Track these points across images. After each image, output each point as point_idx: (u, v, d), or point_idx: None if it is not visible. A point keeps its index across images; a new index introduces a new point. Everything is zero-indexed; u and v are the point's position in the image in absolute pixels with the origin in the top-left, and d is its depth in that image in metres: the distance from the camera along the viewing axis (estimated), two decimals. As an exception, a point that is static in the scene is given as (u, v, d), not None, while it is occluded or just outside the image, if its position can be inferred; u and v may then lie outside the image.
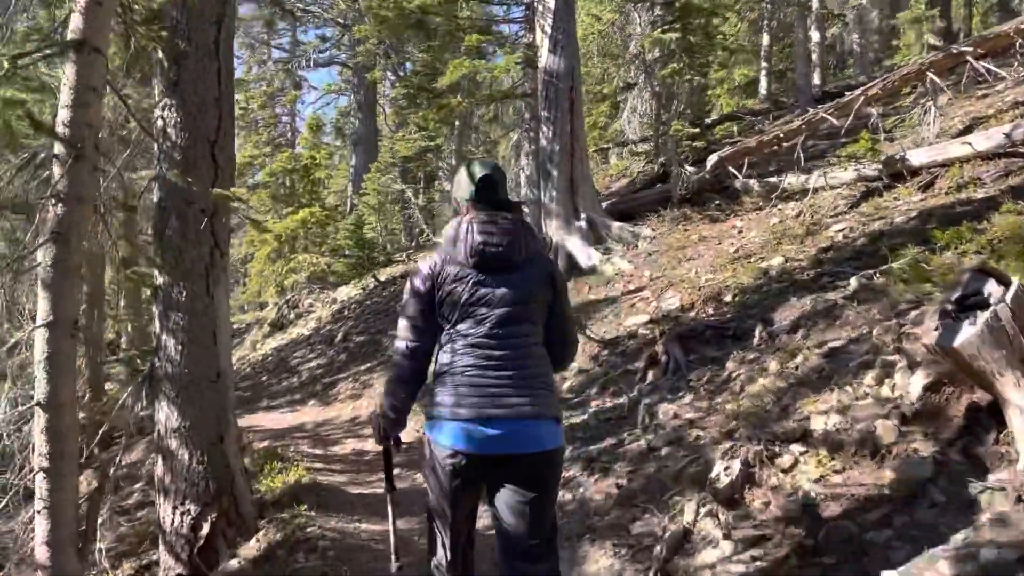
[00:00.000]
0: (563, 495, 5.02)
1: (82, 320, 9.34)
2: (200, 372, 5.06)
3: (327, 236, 15.89)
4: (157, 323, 5.12)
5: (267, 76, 27.47)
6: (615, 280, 9.18)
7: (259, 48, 25.37)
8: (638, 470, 4.88)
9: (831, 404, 4.36)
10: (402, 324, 2.64)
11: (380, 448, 2.95)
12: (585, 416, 6.17)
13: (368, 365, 10.32)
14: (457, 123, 12.01)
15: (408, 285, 2.66)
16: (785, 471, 4.04)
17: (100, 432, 5.27)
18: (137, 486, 7.30)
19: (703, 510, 4.07)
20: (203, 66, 5.18)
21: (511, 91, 11.47)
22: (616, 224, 10.23)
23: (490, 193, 2.66)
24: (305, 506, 5.08)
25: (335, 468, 6.30)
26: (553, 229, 10.26)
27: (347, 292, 15.16)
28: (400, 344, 2.63)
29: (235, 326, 20.37)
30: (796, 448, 4.13)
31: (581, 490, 4.99)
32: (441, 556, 2.72)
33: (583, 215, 10.26)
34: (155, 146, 5.29)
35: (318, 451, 7.17)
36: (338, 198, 25.56)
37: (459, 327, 2.55)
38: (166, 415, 5.03)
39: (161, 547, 4.98)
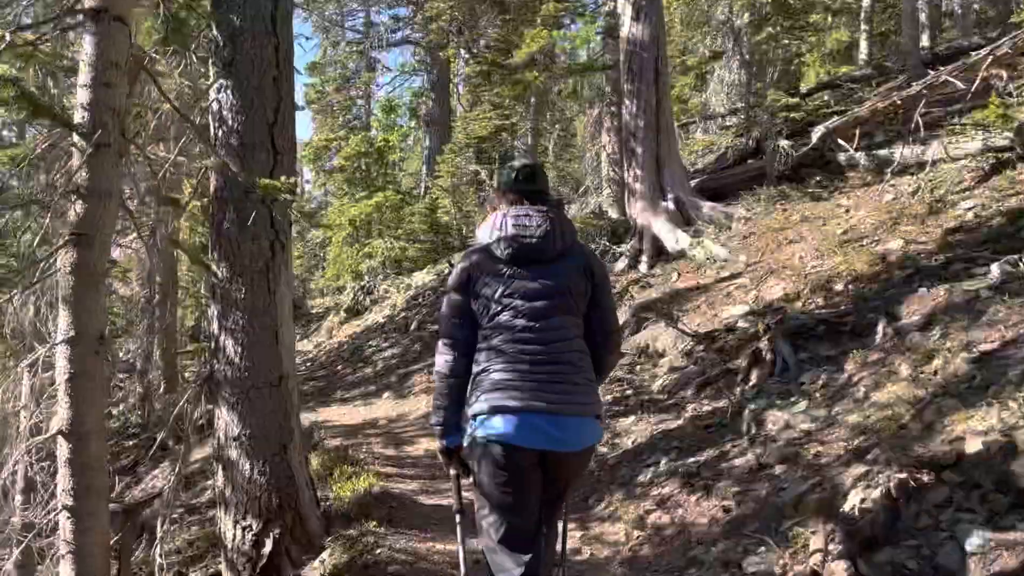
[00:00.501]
0: (660, 517, 4.45)
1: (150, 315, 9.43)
2: (261, 376, 4.67)
3: (402, 220, 15.57)
4: (215, 323, 4.76)
5: (341, 59, 27.48)
6: (706, 266, 8.44)
7: (333, 30, 25.23)
8: (748, 491, 4.25)
9: (991, 423, 3.61)
10: (442, 331, 2.65)
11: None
12: (681, 421, 5.54)
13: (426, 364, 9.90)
14: (533, 99, 11.41)
15: (449, 281, 2.67)
16: (938, 506, 3.35)
17: (158, 439, 4.96)
18: (210, 482, 7.09)
19: (834, 548, 3.42)
20: (260, 43, 4.75)
21: (591, 63, 10.77)
22: (706, 204, 9.46)
23: (528, 183, 2.66)
24: (375, 522, 4.65)
25: (408, 473, 5.89)
26: (637, 211, 9.57)
27: (421, 278, 14.81)
28: (440, 359, 2.64)
29: (313, 310, 20.44)
30: (951, 477, 3.42)
31: (681, 512, 4.39)
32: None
33: (670, 195, 9.52)
34: (210, 132, 4.90)
35: (390, 452, 6.78)
36: (413, 181, 25.35)
37: (496, 320, 2.52)
38: (226, 422, 4.67)
39: (222, 563, 4.66)
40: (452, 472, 2.80)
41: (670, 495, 4.59)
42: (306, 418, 8.53)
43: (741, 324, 6.53)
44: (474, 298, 2.55)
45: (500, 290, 2.52)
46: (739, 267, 7.98)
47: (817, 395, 4.95)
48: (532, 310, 2.51)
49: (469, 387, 2.59)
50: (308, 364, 12.99)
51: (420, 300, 13.41)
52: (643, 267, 9.23)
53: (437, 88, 20.51)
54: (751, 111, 12.03)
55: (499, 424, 2.45)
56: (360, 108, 29.24)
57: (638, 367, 6.89)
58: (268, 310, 4.72)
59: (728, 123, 13.29)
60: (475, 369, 2.57)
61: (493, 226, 2.58)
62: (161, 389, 9.73)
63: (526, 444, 2.45)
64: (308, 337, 16.61)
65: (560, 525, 2.82)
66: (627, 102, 9.76)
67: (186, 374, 10.24)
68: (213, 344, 4.82)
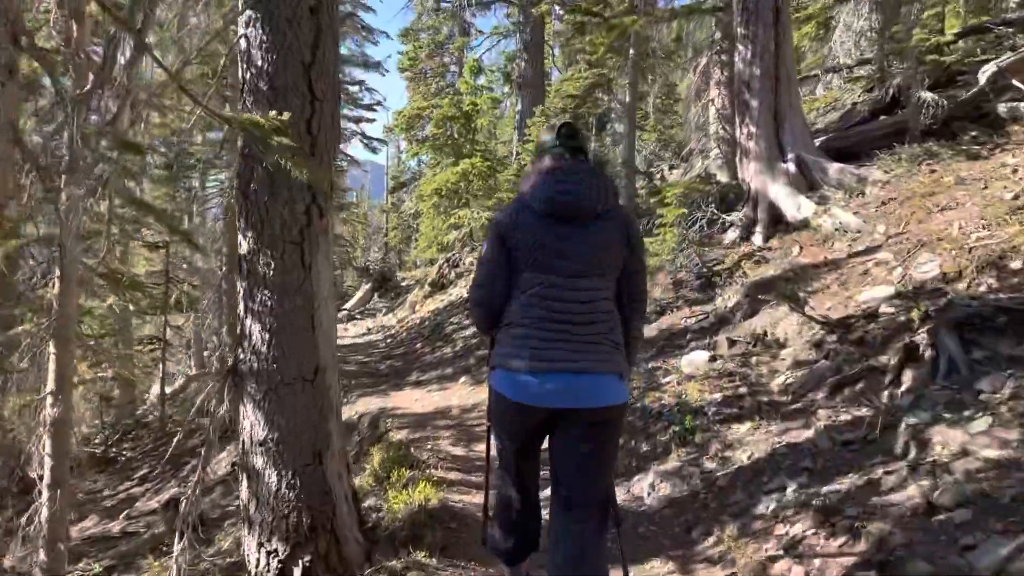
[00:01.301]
0: (788, 568, 3.38)
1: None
2: (292, 368, 3.86)
3: (490, 189, 14.67)
4: (241, 303, 3.98)
5: (435, 23, 26.78)
6: (835, 238, 7.13)
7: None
8: (916, 543, 3.12)
9: None
10: (478, 271, 2.71)
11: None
12: (811, 432, 4.40)
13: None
14: (632, 52, 10.21)
15: (488, 230, 2.67)
16: None
17: (175, 440, 4.25)
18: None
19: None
20: (293, -36, 3.90)
21: (698, 5, 9.46)
22: (834, 166, 8.07)
23: (571, 141, 2.64)
24: (425, 551, 3.79)
25: (474, 480, 5.01)
26: (751, 173, 8.29)
27: (510, 249, 13.94)
28: (473, 293, 2.71)
29: (403, 283, 19.95)
30: None
31: (817, 564, 3.31)
32: (497, 529, 2.84)
33: (790, 155, 8.19)
34: (239, 75, 4.09)
35: (459, 451, 5.92)
36: (507, 149, 24.45)
37: (527, 276, 2.55)
38: (251, 423, 3.90)
39: (246, 592, 3.93)
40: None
41: (801, 536, 3.51)
42: (376, 403, 7.83)
43: (885, 310, 5.28)
44: (511, 243, 2.55)
45: (535, 245, 2.51)
46: (877, 239, 6.65)
47: (1004, 410, 3.73)
48: (564, 269, 2.51)
49: (498, 333, 2.66)
50: (388, 341, 12.38)
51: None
52: (757, 239, 7.98)
53: (531, 48, 19.40)
54: (886, 59, 10.39)
55: (512, 381, 2.51)
56: (453, 74, 28.48)
57: (753, 359, 5.75)
58: (302, 289, 3.90)
59: (856, 75, 11.64)
60: (504, 318, 2.61)
61: (534, 182, 2.58)
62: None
63: (539, 403, 2.47)
64: (393, 311, 16.09)
65: (598, 515, 2.59)
66: (740, 48, 8.45)
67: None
68: (239, 329, 4.06)
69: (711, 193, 8.81)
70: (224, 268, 9.26)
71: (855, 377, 4.68)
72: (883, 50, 10.46)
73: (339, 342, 13.42)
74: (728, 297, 7.15)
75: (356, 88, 20.14)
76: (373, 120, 31.90)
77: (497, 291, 2.61)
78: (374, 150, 20.50)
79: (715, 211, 8.54)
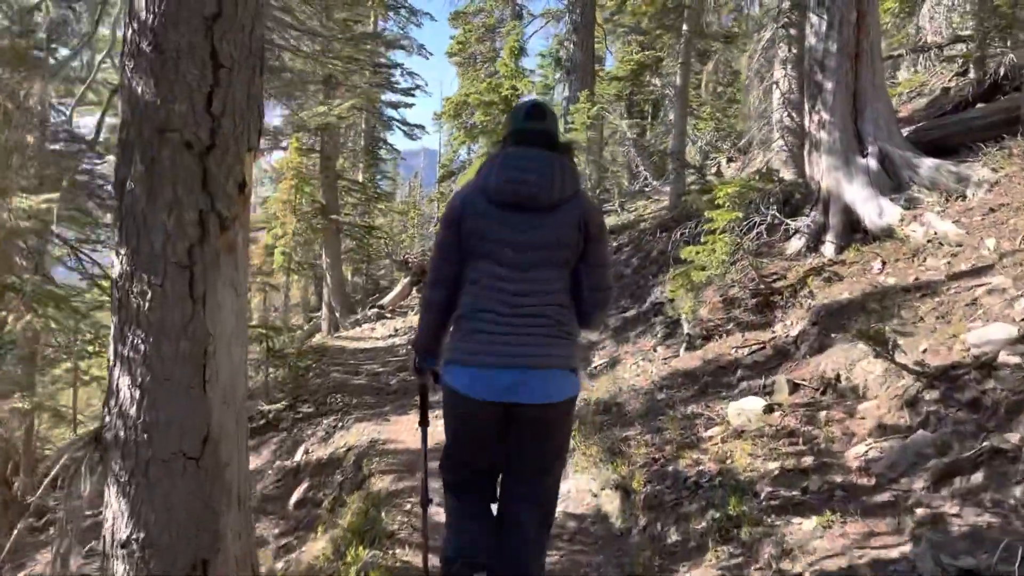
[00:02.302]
0: None
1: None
2: (171, 439, 2.75)
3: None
4: (111, 348, 2.90)
5: (487, 6, 25.69)
6: (929, 252, 5.73)
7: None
8: None
9: None
10: (432, 256, 2.64)
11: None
12: (907, 546, 3.09)
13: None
14: (684, 27, 8.88)
15: (442, 217, 2.61)
16: None
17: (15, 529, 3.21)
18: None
19: None
20: None
21: (763, -31, 8.09)
22: (927, 161, 6.63)
23: (534, 122, 2.55)
24: None
25: (449, 568, 3.87)
26: (822, 170, 6.90)
27: (546, 248, 12.76)
28: (430, 276, 2.64)
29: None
30: None
31: None
32: (452, 539, 2.63)
33: (871, 147, 6.77)
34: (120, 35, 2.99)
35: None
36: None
37: (479, 265, 2.47)
38: (114, 514, 2.81)
39: None
40: (420, 383, 2.91)
41: None
42: (372, 432, 6.76)
43: (1007, 359, 3.92)
44: (464, 229, 2.47)
45: (487, 234, 2.44)
46: (986, 257, 5.25)
47: None
48: (516, 260, 2.43)
49: (451, 325, 2.58)
50: (411, 346, 11.35)
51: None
52: (828, 250, 6.62)
53: (580, 30, 17.98)
54: (987, 35, 8.81)
55: (463, 376, 2.44)
56: (504, 73, 27.30)
57: (822, 413, 4.44)
58: (189, 328, 2.78)
59: (949, 54, 10.03)
60: (457, 309, 2.54)
61: (491, 166, 2.50)
62: None
63: (487, 397, 2.40)
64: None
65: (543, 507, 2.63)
66: (813, 18, 7.04)
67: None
68: (108, 382, 2.98)
69: (772, 193, 7.45)
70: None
71: (972, 462, 3.35)
72: (984, 25, 8.87)
73: (362, 345, 12.44)
74: (791, 323, 5.84)
75: (397, 72, 19.17)
76: (412, 105, 30.96)
77: (445, 279, 2.56)
78: (412, 137, 19.44)
79: (776, 215, 7.18)
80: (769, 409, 4.70)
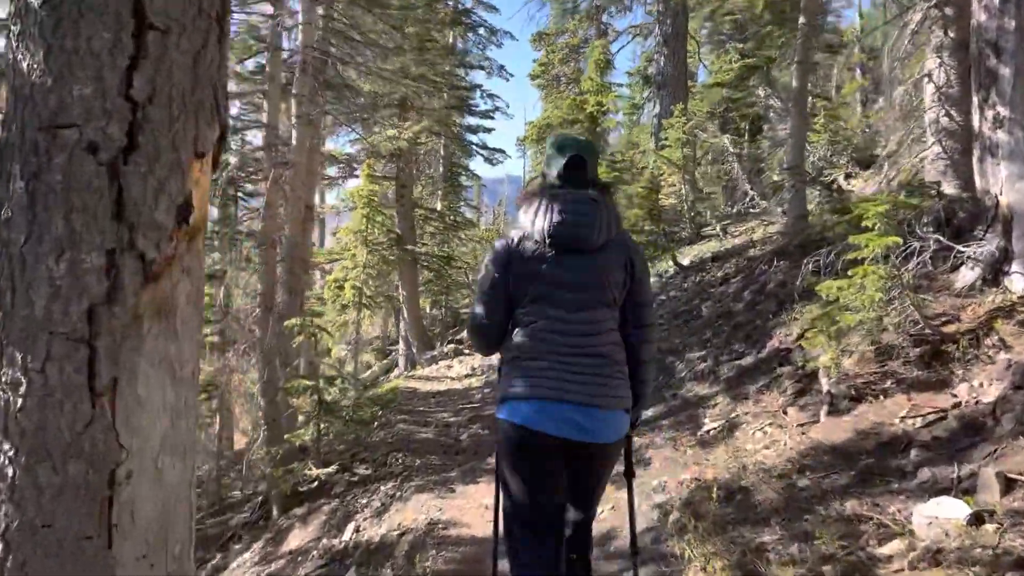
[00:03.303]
0: None
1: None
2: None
3: (617, 204, 12.23)
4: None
5: (571, 26, 24.88)
6: None
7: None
8: None
9: None
10: (477, 299, 2.65)
11: None
12: None
13: (650, 414, 6.47)
14: (802, 19, 7.53)
15: (485, 259, 2.64)
16: None
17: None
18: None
19: None
20: None
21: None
22: None
23: (578, 172, 2.57)
24: None
25: None
26: (1000, 179, 5.38)
27: (638, 279, 11.43)
28: (475, 313, 2.64)
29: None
30: None
31: None
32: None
33: (1068, 151, 5.22)
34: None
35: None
36: (645, 160, 21.89)
37: (531, 308, 2.50)
38: None
39: None
40: None
41: None
42: (433, 508, 5.60)
43: None
44: (513, 273, 2.51)
45: (537, 277, 2.48)
46: None
47: None
48: (569, 301, 2.48)
49: (501, 366, 2.61)
50: (489, 388, 10.20)
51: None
52: (1017, 284, 5.09)
53: (671, 41, 16.75)
54: None
55: (526, 409, 2.42)
56: (589, 89, 26.28)
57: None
58: (85, 441, 1.71)
59: None
60: (507, 353, 2.56)
61: (537, 209, 2.52)
62: (259, 439, 7.46)
63: (552, 432, 2.40)
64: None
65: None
66: (982, -9, 5.57)
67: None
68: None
69: (929, 212, 5.95)
70: (257, 311, 7.54)
71: None
72: None
73: (435, 387, 11.36)
74: (979, 384, 4.37)
75: (476, 94, 18.31)
76: (492, 130, 30.37)
77: (496, 322, 2.58)
78: (492, 162, 18.51)
79: (938, 237, 5.68)
80: (977, 519, 3.27)
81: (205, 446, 10.21)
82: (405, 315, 16.67)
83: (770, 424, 5.24)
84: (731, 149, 12.30)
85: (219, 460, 10.33)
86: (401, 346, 17.32)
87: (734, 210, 14.29)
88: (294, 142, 8.11)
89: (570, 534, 2.60)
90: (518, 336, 2.51)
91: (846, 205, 6.02)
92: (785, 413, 5.30)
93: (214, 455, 10.28)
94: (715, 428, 5.55)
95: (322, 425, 6.75)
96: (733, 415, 5.62)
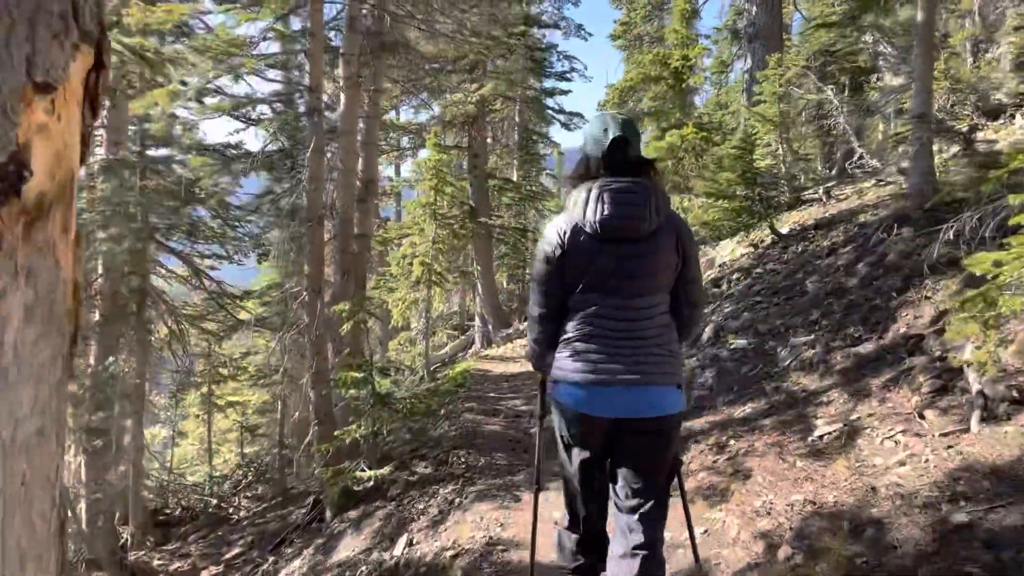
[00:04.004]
0: None
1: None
2: None
3: (703, 168, 11.12)
4: None
5: (653, -16, 23.35)
6: None
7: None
8: None
9: None
10: (533, 288, 2.71)
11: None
12: None
13: (748, 410, 5.53)
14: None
15: (538, 250, 2.67)
16: None
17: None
18: None
19: None
20: None
21: None
22: None
23: (623, 154, 2.57)
24: None
25: None
26: None
27: (728, 251, 10.34)
28: (533, 309, 2.71)
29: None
30: None
31: None
32: (571, 528, 2.97)
33: None
34: None
35: None
36: (734, 121, 20.39)
37: (585, 296, 2.56)
38: None
39: None
40: (540, 379, 2.96)
41: None
42: (492, 521, 4.88)
43: None
44: (567, 263, 2.55)
45: (590, 266, 2.52)
46: None
47: None
48: (621, 287, 2.52)
49: (557, 348, 2.66)
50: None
51: (725, 288, 8.99)
52: None
53: (763, -11, 15.28)
54: None
55: (575, 393, 2.53)
56: (674, 41, 24.69)
57: None
58: None
59: None
60: (563, 334, 2.64)
61: (588, 199, 2.52)
62: (311, 433, 6.88)
63: (599, 412, 2.53)
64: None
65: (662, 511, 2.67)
66: None
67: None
68: None
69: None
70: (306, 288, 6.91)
71: None
72: None
73: (509, 368, 10.63)
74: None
75: (552, 56, 17.28)
76: (568, 92, 29.10)
77: (553, 311, 2.64)
78: (570, 127, 17.52)
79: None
80: None
81: (270, 434, 9.85)
82: (480, 290, 16.02)
83: (903, 431, 4.23)
84: (835, 102, 10.94)
85: (281, 449, 9.98)
86: (477, 323, 16.74)
87: (833, 171, 12.92)
88: (342, 107, 7.47)
89: (641, 511, 2.59)
90: (573, 321, 2.59)
91: (993, 159, 4.89)
92: (922, 417, 4.28)
93: (276, 443, 9.93)
94: (831, 433, 4.58)
95: (376, 421, 6.12)
96: (853, 417, 4.63)
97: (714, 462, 4.88)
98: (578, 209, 2.52)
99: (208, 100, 7.74)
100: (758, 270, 8.74)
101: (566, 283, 2.56)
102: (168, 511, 10.11)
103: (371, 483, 6.02)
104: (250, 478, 11.18)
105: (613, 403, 2.48)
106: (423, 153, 14.71)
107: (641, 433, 2.55)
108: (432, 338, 19.63)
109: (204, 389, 12.73)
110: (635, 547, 2.51)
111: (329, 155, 8.11)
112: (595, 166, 2.59)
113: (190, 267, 9.81)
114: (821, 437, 4.60)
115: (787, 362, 5.93)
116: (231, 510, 9.94)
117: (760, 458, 4.66)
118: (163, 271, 10.84)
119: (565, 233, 2.52)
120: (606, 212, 2.45)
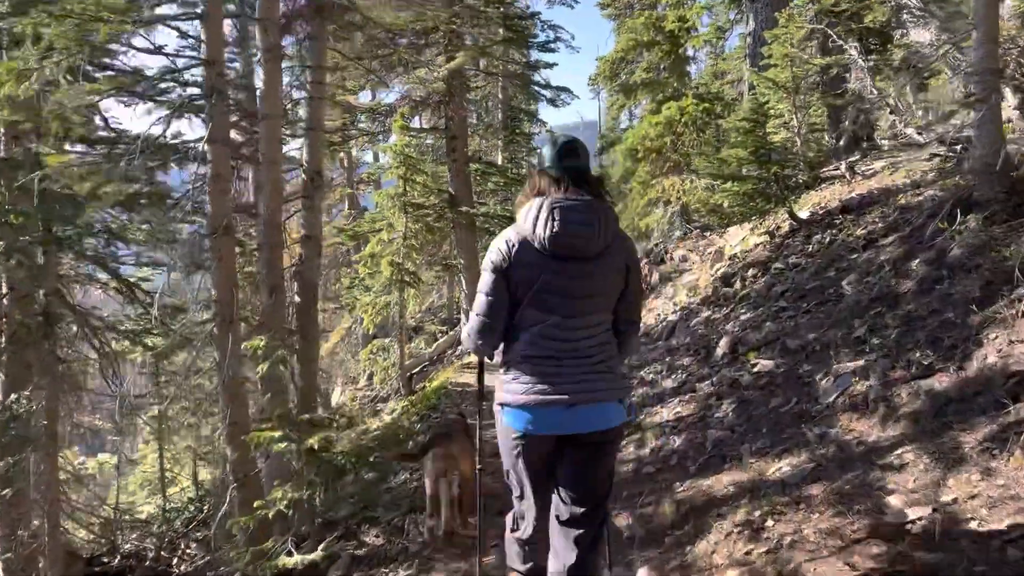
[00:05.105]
0: None
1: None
2: None
3: (706, 144, 9.74)
4: None
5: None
6: None
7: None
8: None
9: None
10: (478, 297, 2.64)
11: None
12: None
13: (786, 468, 4.22)
14: None
15: (485, 260, 2.62)
16: None
17: None
18: None
19: None
20: None
21: None
22: None
23: (571, 160, 2.60)
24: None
25: None
26: None
27: (739, 240, 8.99)
28: (475, 319, 2.65)
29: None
30: None
31: None
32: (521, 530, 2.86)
33: None
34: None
35: None
36: (735, 91, 18.88)
37: (530, 313, 2.56)
38: None
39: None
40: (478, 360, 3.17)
41: None
42: None
43: None
44: (513, 277, 2.53)
45: (536, 283, 2.51)
46: None
47: None
48: (566, 306, 2.53)
49: (500, 366, 2.70)
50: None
51: (738, 286, 7.65)
52: None
53: (766, -57, 13.76)
54: None
55: (520, 416, 2.55)
56: (666, 7, 23.08)
57: None
58: None
59: None
60: (506, 355, 2.66)
61: (538, 215, 2.51)
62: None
63: (544, 432, 2.57)
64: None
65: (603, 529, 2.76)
66: None
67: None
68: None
69: None
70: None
71: None
72: None
73: (494, 378, 9.33)
74: None
75: (538, 26, 15.77)
76: (554, 64, 27.44)
77: (498, 324, 2.61)
78: (556, 103, 16.03)
79: None
80: None
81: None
82: (464, 285, 14.67)
83: (1011, 503, 2.91)
84: (861, 63, 9.52)
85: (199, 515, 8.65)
86: (463, 319, 15.42)
87: (841, 143, 11.50)
88: (262, 86, 6.11)
89: (583, 520, 2.64)
90: (517, 342, 2.59)
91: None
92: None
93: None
94: (915, 521, 3.25)
95: (309, 484, 4.80)
96: (945, 497, 3.30)
97: (747, 554, 3.54)
98: (528, 224, 2.51)
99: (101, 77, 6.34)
100: (778, 265, 7.38)
101: (512, 296, 2.54)
102: (105, 560, 8.86)
103: (302, 567, 4.70)
104: (203, 514, 9.93)
105: (558, 421, 2.53)
106: (393, 139, 13.29)
107: (582, 446, 2.60)
108: (417, 336, 18.30)
109: (154, 412, 11.47)
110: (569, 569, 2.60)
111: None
112: (546, 183, 2.58)
113: (117, 279, 8.45)
114: (903, 526, 3.27)
115: (832, 397, 4.59)
116: (175, 560, 8.71)
117: (812, 555, 3.32)
118: (97, 284, 9.50)
119: (514, 246, 2.51)
120: (556, 229, 2.45)
